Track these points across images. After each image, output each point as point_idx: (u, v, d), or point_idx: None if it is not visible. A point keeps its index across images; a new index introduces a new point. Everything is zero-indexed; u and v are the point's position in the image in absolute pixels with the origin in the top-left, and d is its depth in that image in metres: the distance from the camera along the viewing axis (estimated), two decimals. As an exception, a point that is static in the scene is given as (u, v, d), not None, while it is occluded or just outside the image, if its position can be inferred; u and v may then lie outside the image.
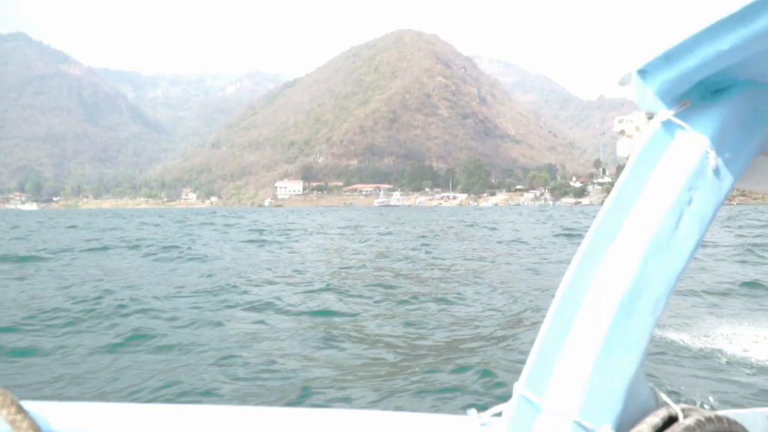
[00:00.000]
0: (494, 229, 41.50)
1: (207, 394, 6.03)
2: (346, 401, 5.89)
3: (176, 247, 23.43)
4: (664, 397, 1.34)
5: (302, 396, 5.97)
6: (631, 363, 1.25)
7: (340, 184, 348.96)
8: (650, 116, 1.32)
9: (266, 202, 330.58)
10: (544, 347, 1.29)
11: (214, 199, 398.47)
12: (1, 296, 11.92)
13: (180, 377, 6.57)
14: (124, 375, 6.70)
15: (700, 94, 1.29)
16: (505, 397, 1.32)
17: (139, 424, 1.24)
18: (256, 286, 13.64)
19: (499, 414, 1.34)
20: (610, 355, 1.24)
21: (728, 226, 38.37)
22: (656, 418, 1.28)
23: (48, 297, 11.61)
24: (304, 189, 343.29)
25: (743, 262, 17.78)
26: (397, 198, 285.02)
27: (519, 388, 1.29)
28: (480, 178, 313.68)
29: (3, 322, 9.33)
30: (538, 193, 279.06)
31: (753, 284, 12.95)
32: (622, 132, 1.36)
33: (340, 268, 17.46)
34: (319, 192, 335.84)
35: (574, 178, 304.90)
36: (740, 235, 28.94)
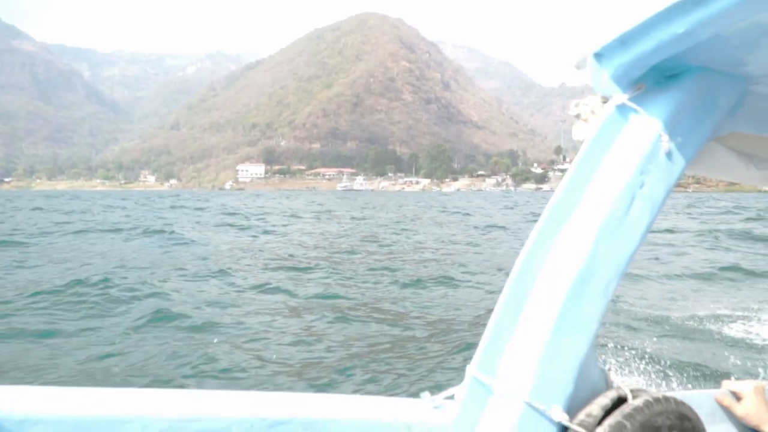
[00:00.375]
0: (467, 214, 42.13)
1: (242, 373, 6.26)
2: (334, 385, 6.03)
3: (161, 231, 23.22)
4: (614, 378, 1.35)
5: (310, 378, 6.22)
6: (583, 345, 1.25)
7: (303, 167, 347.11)
8: (605, 100, 1.32)
9: (227, 185, 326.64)
10: (497, 329, 1.29)
11: (173, 181, 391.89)
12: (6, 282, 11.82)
13: (217, 356, 6.76)
14: (159, 354, 6.86)
15: (654, 79, 1.29)
16: (459, 380, 1.29)
17: (76, 408, 1.22)
18: (261, 270, 13.79)
19: (452, 397, 1.34)
20: (561, 336, 1.24)
21: (689, 213, 39.79)
22: (606, 399, 1.28)
23: (52, 280, 11.55)
24: (266, 172, 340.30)
25: (714, 248, 18.64)
26: (360, 182, 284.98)
27: (471, 370, 1.29)
28: (443, 164, 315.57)
29: (19, 305, 9.33)
30: (500, 179, 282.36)
31: (733, 268, 13.70)
32: (578, 116, 1.36)
33: (333, 252, 17.68)
34: (281, 175, 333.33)
35: (535, 165, 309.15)
36: (704, 222, 30.14)
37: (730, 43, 1.16)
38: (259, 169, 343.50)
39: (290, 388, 5.81)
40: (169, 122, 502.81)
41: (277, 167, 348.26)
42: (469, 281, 12.21)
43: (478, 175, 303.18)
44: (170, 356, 6.80)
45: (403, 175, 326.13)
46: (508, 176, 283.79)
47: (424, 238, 22.93)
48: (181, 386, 5.74)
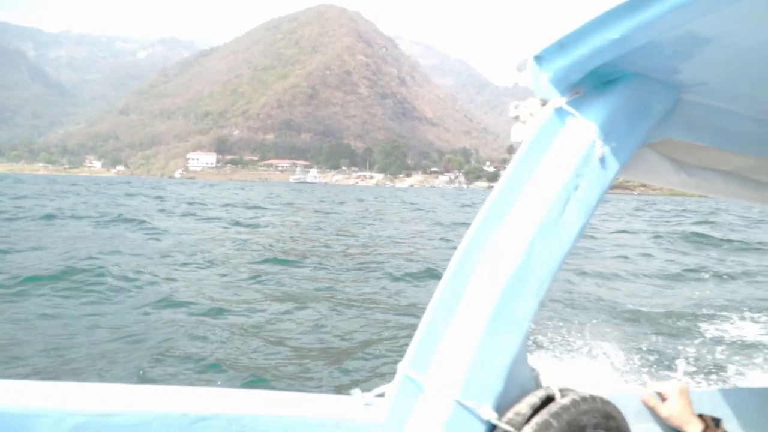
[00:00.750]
0: (431, 211, 42.77)
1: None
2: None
3: (131, 220, 22.97)
4: (543, 377, 1.36)
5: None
6: (514, 344, 1.26)
7: (256, 158, 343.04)
8: (544, 103, 1.33)
9: (177, 174, 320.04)
10: (430, 327, 1.30)
11: (120, 168, 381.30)
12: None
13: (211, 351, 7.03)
14: (180, 336, 7.09)
15: (592, 84, 1.31)
16: (391, 378, 1.29)
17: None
18: (250, 262, 13.97)
19: (383, 394, 1.34)
20: (493, 335, 1.24)
21: (640, 215, 41.42)
22: (535, 398, 1.30)
23: (45, 267, 11.50)
24: (218, 162, 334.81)
25: (672, 250, 19.66)
26: (313, 175, 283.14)
27: (403, 367, 1.29)
28: (397, 159, 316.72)
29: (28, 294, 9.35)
30: (452, 176, 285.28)
31: (692, 270, 14.60)
32: (517, 117, 1.37)
33: (314, 245, 17.94)
34: (234, 166, 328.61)
35: (487, 163, 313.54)
36: (655, 224, 31.50)
37: (664, 51, 1.19)
38: (210, 159, 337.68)
39: (230, 383, 5.79)
40: (118, 107, 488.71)
41: (229, 157, 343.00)
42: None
43: (432, 172, 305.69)
44: (160, 348, 7.03)
45: (357, 169, 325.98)
46: (461, 174, 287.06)
47: (395, 233, 23.39)
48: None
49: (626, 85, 1.33)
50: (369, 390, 1.37)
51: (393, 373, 1.32)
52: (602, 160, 1.31)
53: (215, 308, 8.72)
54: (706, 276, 13.89)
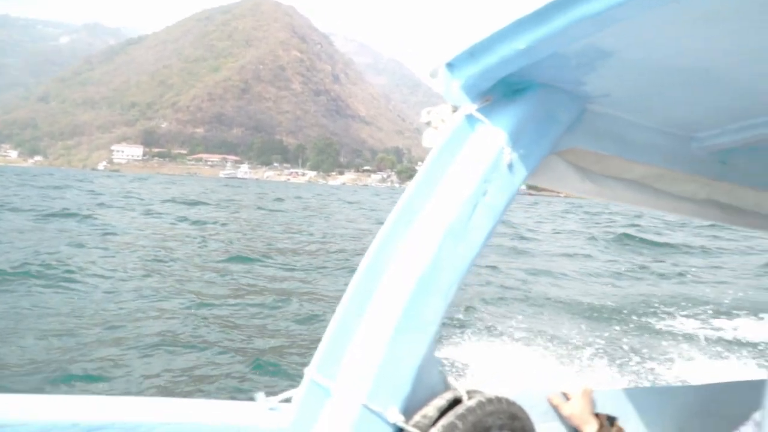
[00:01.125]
0: (373, 210, 43.18)
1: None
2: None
3: (74, 214, 22.16)
4: (451, 380, 1.37)
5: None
6: (422, 346, 1.27)
7: (184, 152, 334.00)
8: (455, 109, 1.37)
9: (101, 166, 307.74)
10: (338, 331, 1.29)
11: (38, 158, 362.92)
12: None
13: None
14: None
15: (502, 92, 1.35)
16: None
17: None
18: (218, 261, 13.88)
19: (289, 399, 1.33)
20: (402, 338, 1.25)
21: (569, 217, 43.18)
22: (442, 400, 1.32)
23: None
24: (144, 155, 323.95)
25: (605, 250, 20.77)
26: (244, 171, 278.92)
27: (310, 372, 1.28)
28: (329, 157, 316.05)
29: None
30: (385, 175, 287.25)
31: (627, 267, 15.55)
32: (428, 123, 1.39)
33: (274, 243, 17.93)
34: (161, 159, 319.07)
35: (419, 163, 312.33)
36: (587, 225, 32.98)
37: (569, 62, 1.23)
38: (136, 151, 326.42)
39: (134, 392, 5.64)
40: (37, 94, 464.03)
41: (156, 150, 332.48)
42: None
43: (364, 170, 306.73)
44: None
45: (289, 166, 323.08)
46: (393, 173, 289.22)
47: (346, 231, 23.59)
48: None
49: (534, 94, 1.36)
50: (275, 394, 1.36)
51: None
52: (510, 167, 1.33)
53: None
54: (643, 275, 14.85)
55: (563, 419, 1.77)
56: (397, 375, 1.25)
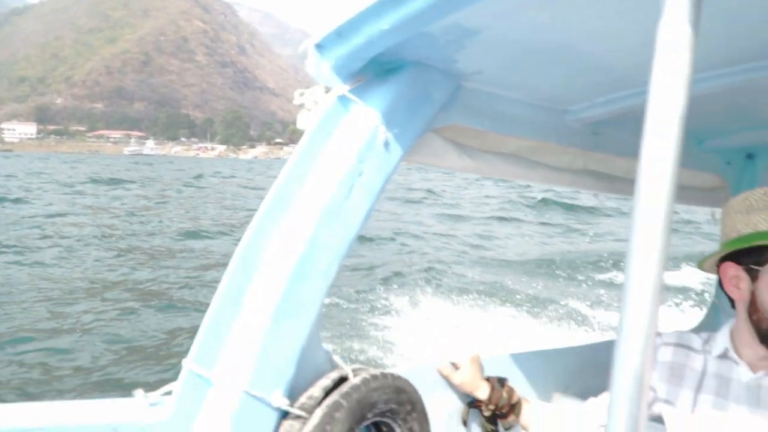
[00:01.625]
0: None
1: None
2: None
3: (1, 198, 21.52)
4: (337, 359, 1.41)
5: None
6: (304, 329, 1.29)
7: (83, 129, 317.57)
8: (328, 90, 1.37)
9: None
10: (216, 319, 1.29)
11: None
12: None
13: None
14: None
15: (374, 72, 1.37)
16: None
17: None
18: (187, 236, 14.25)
19: (169, 393, 1.31)
20: (282, 322, 1.27)
21: (486, 184, 45.26)
22: (327, 380, 1.35)
23: None
24: (39, 133, 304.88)
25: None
26: (150, 147, 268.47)
27: (188, 363, 1.28)
28: (239, 130, 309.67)
29: None
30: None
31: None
32: (302, 105, 1.40)
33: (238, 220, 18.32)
34: (58, 137, 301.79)
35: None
36: (506, 190, 34.86)
37: (438, 41, 1.26)
38: (29, 129, 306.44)
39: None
40: None
41: (52, 128, 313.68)
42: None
43: (276, 143, 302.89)
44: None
45: (197, 140, 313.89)
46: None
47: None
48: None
49: (407, 73, 1.37)
50: (156, 389, 1.31)
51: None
52: (386, 146, 1.35)
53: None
54: (571, 235, 16.53)
55: (454, 388, 1.82)
56: (280, 359, 1.25)
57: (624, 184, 2.17)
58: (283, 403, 1.25)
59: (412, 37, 1.18)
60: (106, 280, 9.50)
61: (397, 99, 1.36)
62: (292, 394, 1.28)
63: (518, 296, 9.34)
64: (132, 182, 38.10)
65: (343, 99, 1.35)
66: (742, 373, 1.39)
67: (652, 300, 0.56)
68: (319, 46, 1.28)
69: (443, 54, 1.34)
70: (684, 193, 2.52)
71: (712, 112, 2.00)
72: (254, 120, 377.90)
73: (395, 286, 10.03)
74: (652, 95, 0.56)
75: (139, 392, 1.33)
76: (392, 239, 15.27)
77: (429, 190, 32.12)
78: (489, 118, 1.65)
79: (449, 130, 1.61)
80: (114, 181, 38.59)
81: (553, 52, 1.36)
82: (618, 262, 12.06)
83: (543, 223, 19.17)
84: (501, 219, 19.70)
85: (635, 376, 0.55)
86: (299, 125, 1.36)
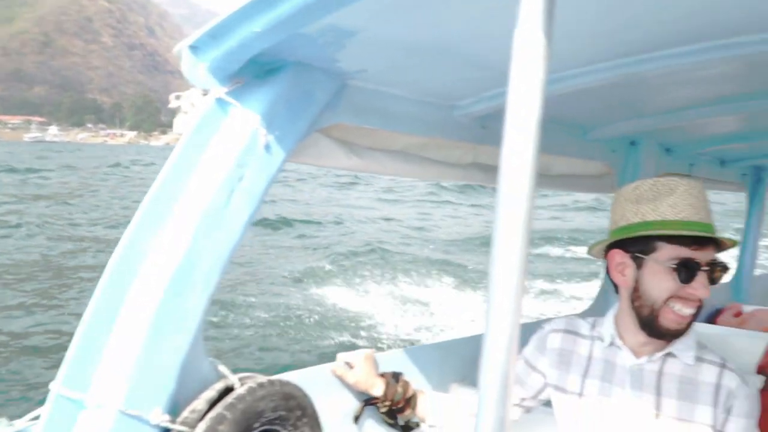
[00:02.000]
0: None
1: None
2: None
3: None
4: (223, 369, 1.36)
5: None
6: (184, 342, 1.24)
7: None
8: (206, 93, 1.33)
9: None
10: (88, 336, 1.22)
11: None
12: None
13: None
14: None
15: (253, 73, 1.34)
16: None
17: None
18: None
19: (37, 418, 1.24)
20: (160, 336, 1.21)
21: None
22: (212, 391, 1.31)
23: None
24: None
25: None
26: (53, 133, 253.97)
27: (56, 386, 1.21)
28: (150, 116, 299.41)
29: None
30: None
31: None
32: (178, 108, 1.36)
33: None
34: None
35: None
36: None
37: (316, 42, 1.25)
38: None
39: None
40: None
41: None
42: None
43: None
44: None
45: (105, 126, 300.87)
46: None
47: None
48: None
49: (288, 73, 1.36)
50: (21, 416, 1.23)
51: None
52: (267, 149, 1.33)
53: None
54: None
55: (349, 388, 1.81)
56: (159, 375, 1.21)
57: None
58: (163, 420, 1.21)
59: (289, 38, 1.17)
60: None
61: (278, 100, 1.34)
62: (176, 409, 1.24)
63: (463, 272, 10.60)
64: (51, 170, 36.93)
65: (220, 102, 1.32)
66: (625, 358, 1.45)
67: (515, 296, 0.57)
68: (194, 48, 1.25)
69: (324, 54, 1.34)
70: (574, 181, 2.73)
71: (595, 105, 2.11)
72: (166, 105, 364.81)
73: (342, 267, 10.86)
74: (510, 96, 0.58)
75: (3, 420, 1.26)
76: (338, 223, 16.30)
77: (357, 175, 33.07)
78: (376, 115, 1.65)
79: (336, 129, 1.61)
80: (33, 171, 37.30)
81: (436, 50, 1.38)
82: (551, 238, 13.73)
83: (474, 205, 20.75)
84: (435, 203, 21.06)
85: (501, 367, 0.56)
86: (176, 129, 1.33)
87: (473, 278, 10.26)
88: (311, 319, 8.17)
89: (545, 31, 0.57)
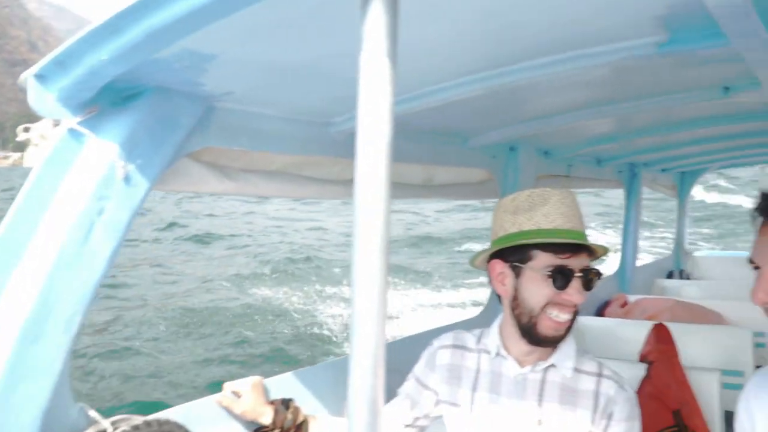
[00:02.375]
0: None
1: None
2: None
3: None
4: (94, 414, 1.29)
5: None
6: (45, 390, 1.16)
7: None
8: (57, 124, 1.25)
9: None
10: None
11: None
12: None
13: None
14: None
15: (109, 101, 1.25)
16: None
17: None
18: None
19: None
20: (15, 388, 1.12)
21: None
22: None
23: None
24: None
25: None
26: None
27: None
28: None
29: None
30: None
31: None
32: (28, 141, 1.39)
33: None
34: None
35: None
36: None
37: (173, 66, 1.19)
38: None
39: None
40: None
41: None
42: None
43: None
44: None
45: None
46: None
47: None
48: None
49: (147, 99, 1.29)
50: None
51: None
52: (127, 180, 1.25)
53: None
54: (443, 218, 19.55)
55: (237, 418, 1.73)
56: (15, 428, 1.12)
57: (394, 188, 2.32)
58: None
59: (145, 64, 1.11)
60: None
61: (138, 127, 1.26)
62: None
63: (407, 272, 11.83)
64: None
65: (73, 133, 1.22)
66: (510, 368, 1.49)
67: (377, 317, 0.57)
68: (40, 77, 1.15)
69: (185, 78, 1.28)
70: (457, 189, 2.77)
71: (473, 114, 2.12)
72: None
73: (280, 276, 11.54)
74: (360, 119, 0.60)
75: None
76: (266, 235, 17.21)
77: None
78: (247, 137, 1.61)
79: (206, 153, 1.56)
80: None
81: (304, 69, 1.37)
82: (473, 237, 15.48)
83: (413, 213, 22.31)
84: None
85: (369, 392, 0.57)
86: (26, 164, 1.57)
87: (415, 277, 11.29)
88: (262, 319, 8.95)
89: (389, 52, 0.58)
